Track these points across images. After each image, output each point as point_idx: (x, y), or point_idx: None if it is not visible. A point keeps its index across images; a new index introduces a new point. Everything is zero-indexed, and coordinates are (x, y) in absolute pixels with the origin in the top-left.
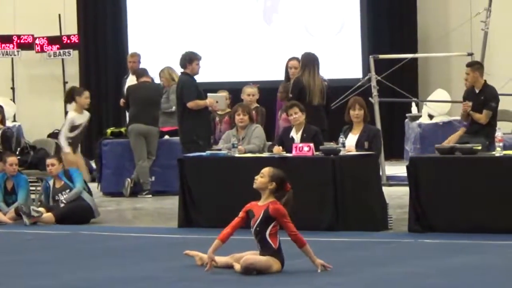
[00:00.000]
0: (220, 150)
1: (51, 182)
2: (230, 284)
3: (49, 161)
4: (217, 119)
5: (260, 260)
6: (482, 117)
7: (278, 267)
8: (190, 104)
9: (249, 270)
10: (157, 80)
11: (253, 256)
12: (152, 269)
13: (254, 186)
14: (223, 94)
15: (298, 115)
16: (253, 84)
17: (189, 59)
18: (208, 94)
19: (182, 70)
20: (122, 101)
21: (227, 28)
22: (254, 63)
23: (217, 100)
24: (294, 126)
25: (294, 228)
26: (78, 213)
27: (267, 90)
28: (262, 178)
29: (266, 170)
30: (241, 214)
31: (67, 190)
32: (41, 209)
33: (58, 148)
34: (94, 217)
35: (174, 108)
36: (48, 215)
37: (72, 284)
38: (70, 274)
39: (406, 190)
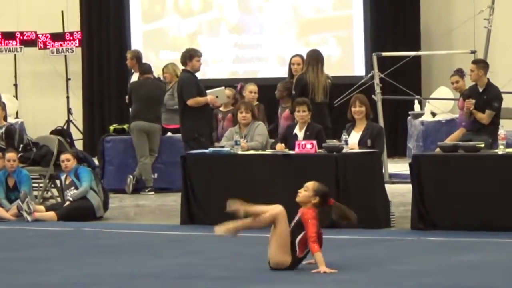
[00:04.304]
0: (223, 147)
1: (63, 178)
2: (234, 281)
3: (64, 156)
4: (220, 115)
5: (283, 227)
6: (484, 117)
7: (286, 260)
8: (190, 102)
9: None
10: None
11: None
12: (154, 265)
13: (297, 199)
14: (222, 87)
15: (305, 114)
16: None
17: (189, 56)
18: (208, 91)
19: (183, 67)
20: (127, 98)
21: (229, 25)
22: (257, 60)
23: (217, 95)
24: (298, 123)
25: (313, 233)
26: (79, 213)
27: (270, 88)
28: (306, 192)
29: (310, 184)
30: None
31: (72, 188)
32: (39, 207)
33: (62, 144)
34: (96, 217)
35: None
36: (50, 214)
37: (73, 281)
38: (72, 271)
39: (408, 187)
